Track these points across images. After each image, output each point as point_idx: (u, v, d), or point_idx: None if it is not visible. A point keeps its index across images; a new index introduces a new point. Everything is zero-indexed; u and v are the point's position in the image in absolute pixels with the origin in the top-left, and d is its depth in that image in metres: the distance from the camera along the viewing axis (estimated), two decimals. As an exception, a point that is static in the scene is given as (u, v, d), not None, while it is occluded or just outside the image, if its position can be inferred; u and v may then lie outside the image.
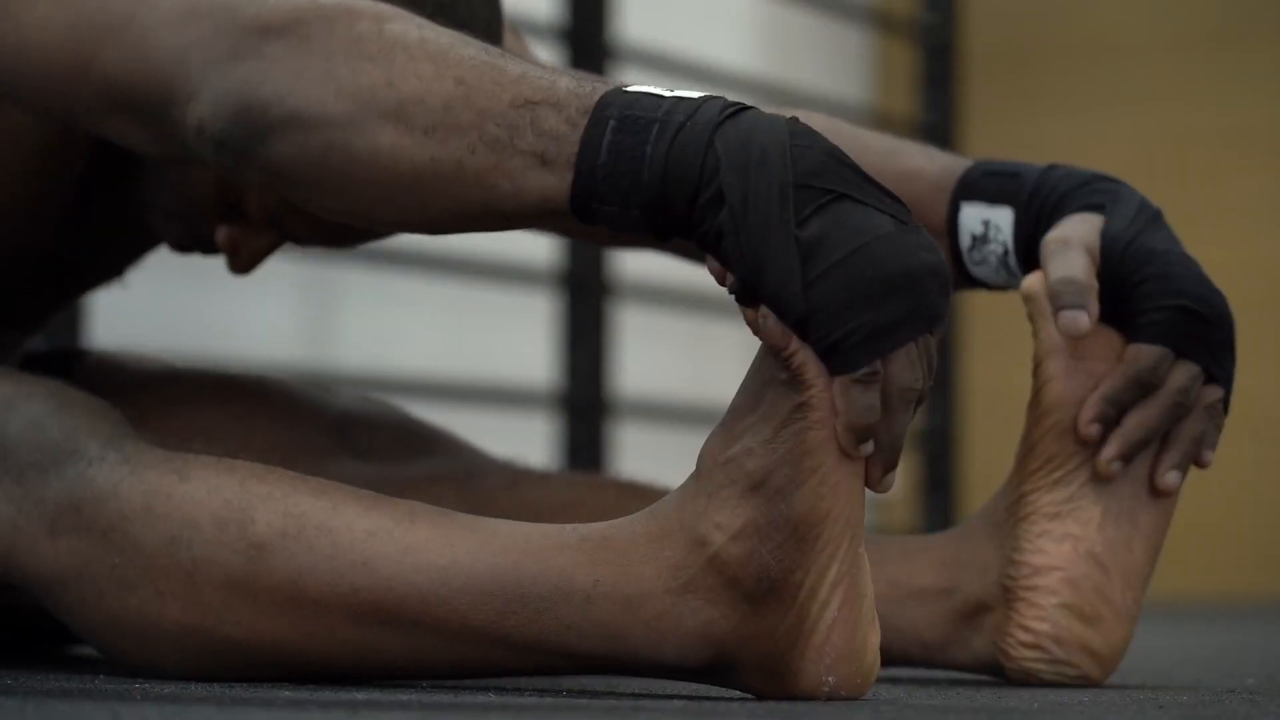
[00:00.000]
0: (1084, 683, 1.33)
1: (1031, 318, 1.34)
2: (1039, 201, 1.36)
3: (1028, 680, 1.34)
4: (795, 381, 1.08)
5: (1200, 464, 1.34)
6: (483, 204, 1.12)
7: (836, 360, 1.06)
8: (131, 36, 1.21)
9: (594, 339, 3.23)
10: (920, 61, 4.01)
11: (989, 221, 1.38)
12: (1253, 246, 4.53)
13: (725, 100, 1.09)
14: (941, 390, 3.94)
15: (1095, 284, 1.31)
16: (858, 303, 1.05)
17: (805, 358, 1.07)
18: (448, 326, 3.71)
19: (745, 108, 1.09)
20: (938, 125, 3.95)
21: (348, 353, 3.54)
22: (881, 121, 4.23)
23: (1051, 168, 1.38)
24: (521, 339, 3.70)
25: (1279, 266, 4.55)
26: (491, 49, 1.15)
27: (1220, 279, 1.34)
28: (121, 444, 1.21)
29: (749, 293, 1.07)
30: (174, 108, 1.19)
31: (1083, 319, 1.30)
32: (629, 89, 1.10)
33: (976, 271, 1.40)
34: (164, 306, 3.13)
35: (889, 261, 1.05)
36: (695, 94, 1.10)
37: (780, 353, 1.07)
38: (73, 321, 2.37)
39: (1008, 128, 4.80)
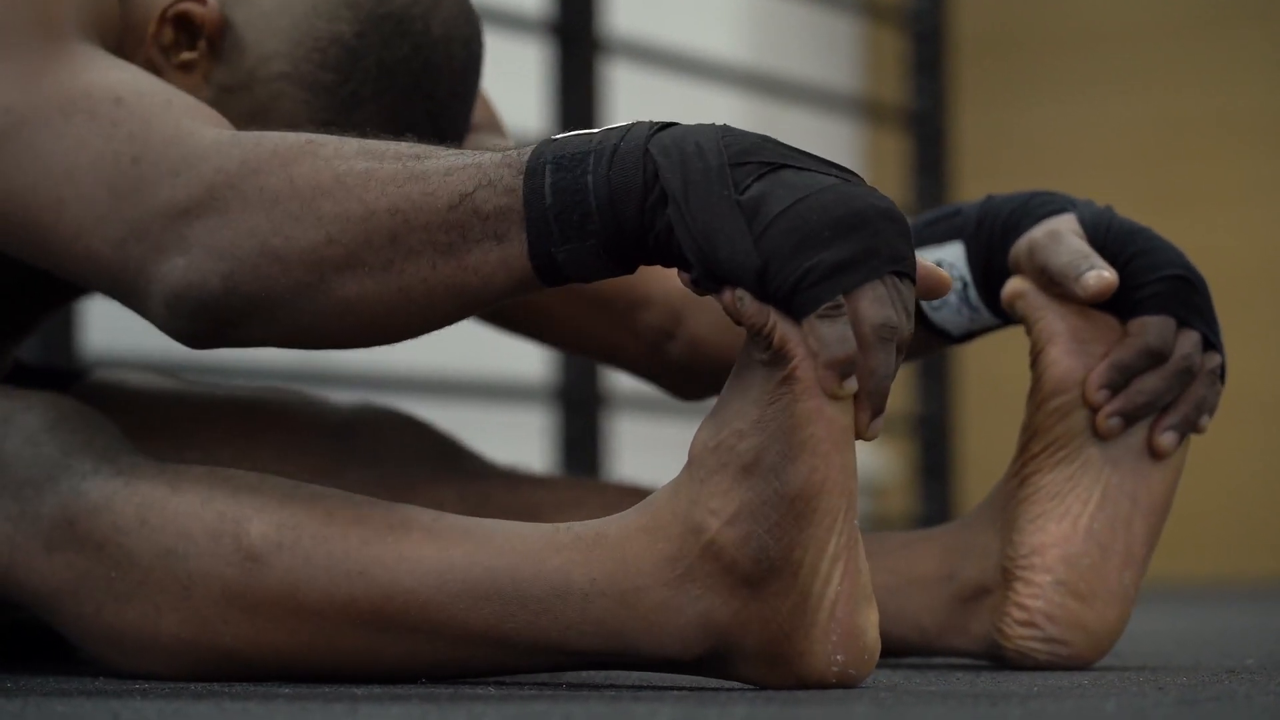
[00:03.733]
0: (1078, 662, 1.34)
1: (1024, 315, 1.35)
2: (987, 227, 1.38)
3: (1024, 661, 1.34)
4: (778, 358, 1.09)
5: (1197, 429, 1.35)
6: (459, 304, 1.15)
7: (799, 302, 1.08)
8: (67, 228, 1.20)
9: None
10: (909, 48, 3.99)
11: (941, 260, 1.39)
12: (1245, 230, 4.53)
13: (653, 121, 1.12)
14: (937, 377, 3.93)
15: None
16: (808, 244, 1.07)
17: (785, 330, 1.08)
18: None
19: (673, 123, 1.11)
20: (927, 112, 3.94)
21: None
22: (872, 109, 4.23)
23: (989, 197, 1.40)
24: (516, 334, 3.69)
25: (1272, 249, 4.55)
26: (404, 150, 1.15)
27: (1214, 262, 1.34)
28: (116, 457, 1.21)
29: (709, 275, 1.08)
30: (130, 301, 1.20)
31: (1110, 274, 1.31)
32: (556, 137, 1.12)
33: (937, 317, 1.41)
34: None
35: (834, 207, 1.08)
36: (621, 124, 1.12)
37: (760, 331, 1.08)
38: (67, 328, 2.36)
39: (998, 114, 4.81)
